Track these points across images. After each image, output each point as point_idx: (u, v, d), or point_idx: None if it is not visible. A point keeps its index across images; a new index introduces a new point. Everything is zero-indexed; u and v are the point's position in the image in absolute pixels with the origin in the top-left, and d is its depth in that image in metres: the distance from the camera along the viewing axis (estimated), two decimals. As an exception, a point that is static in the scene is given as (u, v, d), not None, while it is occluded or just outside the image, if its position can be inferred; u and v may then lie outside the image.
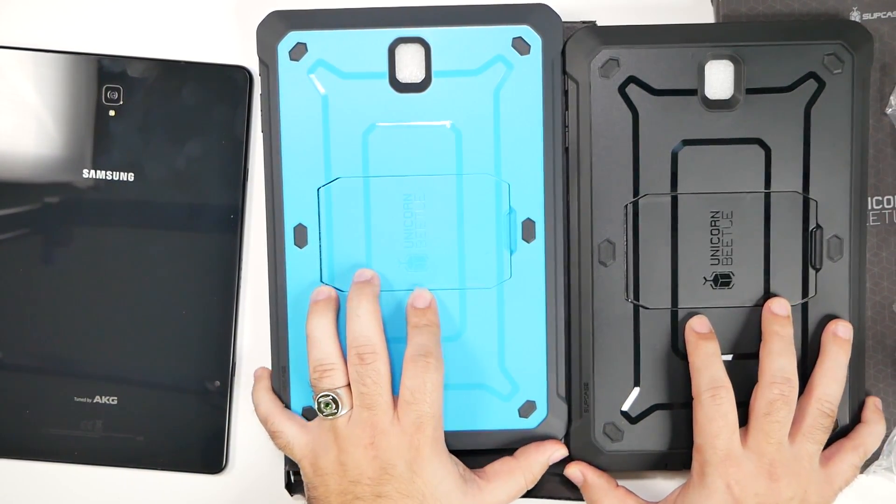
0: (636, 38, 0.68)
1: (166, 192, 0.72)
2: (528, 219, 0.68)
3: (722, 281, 0.69)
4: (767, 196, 0.68)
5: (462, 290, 0.69)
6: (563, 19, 0.68)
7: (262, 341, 0.71)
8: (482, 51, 0.68)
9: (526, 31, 0.68)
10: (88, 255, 0.72)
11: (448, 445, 0.66)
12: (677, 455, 0.69)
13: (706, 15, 0.72)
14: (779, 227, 0.68)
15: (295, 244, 0.68)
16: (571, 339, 0.69)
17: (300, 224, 0.68)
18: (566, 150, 0.68)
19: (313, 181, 0.68)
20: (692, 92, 0.68)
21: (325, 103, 0.68)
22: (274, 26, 0.68)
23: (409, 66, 0.68)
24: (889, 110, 0.70)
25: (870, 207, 0.70)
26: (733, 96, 0.68)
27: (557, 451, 0.68)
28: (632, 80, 0.68)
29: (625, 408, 0.69)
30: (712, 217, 0.68)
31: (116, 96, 0.72)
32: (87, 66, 0.72)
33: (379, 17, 0.68)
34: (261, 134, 0.71)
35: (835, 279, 0.69)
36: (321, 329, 0.66)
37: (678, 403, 0.69)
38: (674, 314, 0.69)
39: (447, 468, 0.65)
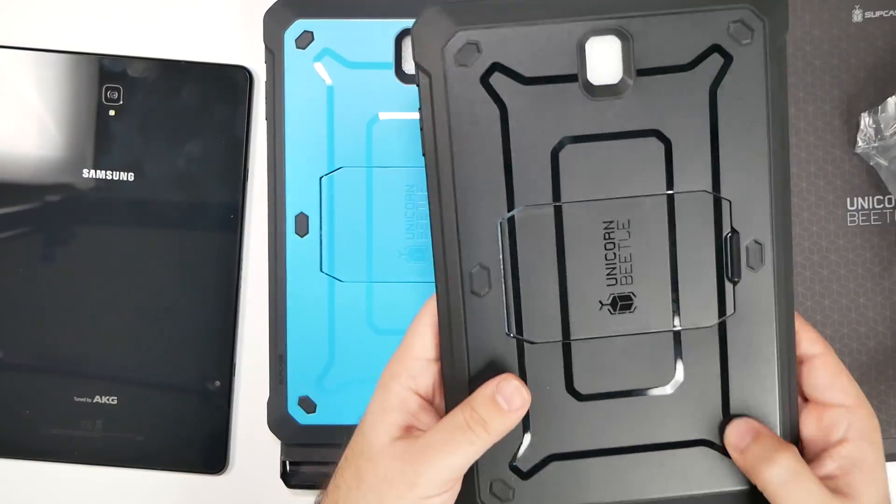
0: (499, 16, 0.54)
1: (166, 191, 0.72)
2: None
3: (622, 304, 0.56)
4: (670, 198, 0.55)
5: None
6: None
7: (262, 341, 0.71)
8: None
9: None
10: (89, 254, 0.72)
11: None
12: None
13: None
14: (686, 234, 0.55)
15: (296, 233, 0.69)
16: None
17: (301, 213, 0.69)
18: (425, 154, 0.56)
19: (316, 170, 0.69)
20: (572, 78, 0.54)
21: (330, 92, 0.68)
22: (281, 14, 0.68)
23: (416, 56, 0.68)
24: (858, 150, 0.70)
25: (870, 206, 0.70)
26: (622, 80, 0.54)
27: (507, 382, 0.53)
28: (496, 67, 0.54)
29: (514, 461, 0.56)
30: (605, 228, 0.55)
31: (116, 96, 0.72)
32: (87, 66, 0.72)
33: (386, 7, 0.68)
34: (261, 134, 0.71)
35: (757, 292, 0.56)
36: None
37: (578, 452, 0.56)
38: (566, 347, 0.56)
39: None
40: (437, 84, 0.54)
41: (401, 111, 0.69)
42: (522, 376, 0.55)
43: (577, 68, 0.54)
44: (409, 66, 0.69)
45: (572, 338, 0.56)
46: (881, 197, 0.71)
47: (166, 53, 0.73)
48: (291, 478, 0.71)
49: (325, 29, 0.68)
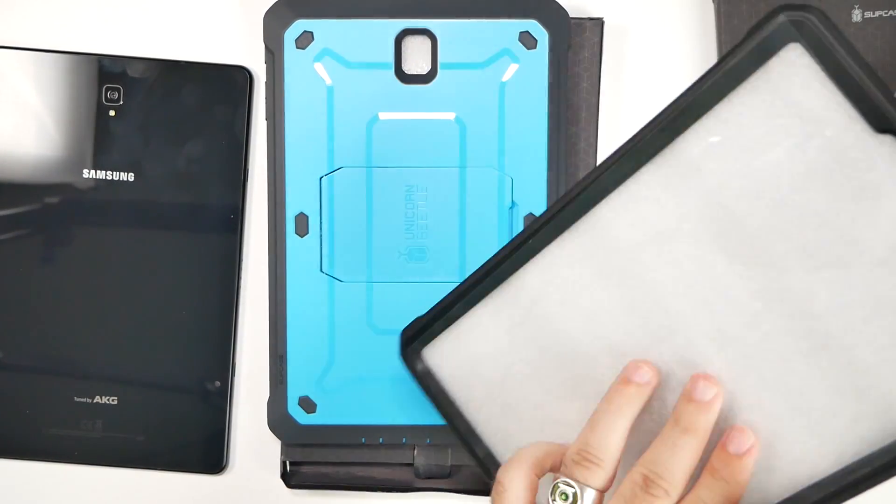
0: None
1: (166, 192, 0.72)
2: (531, 213, 0.69)
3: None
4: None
5: (462, 284, 0.69)
6: (571, 16, 0.69)
7: (262, 341, 0.71)
8: (489, 44, 0.68)
9: (533, 26, 0.68)
10: (89, 255, 0.72)
11: None
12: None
13: (708, 11, 0.72)
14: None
15: (296, 233, 0.69)
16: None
17: (301, 213, 0.69)
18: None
19: (316, 170, 0.69)
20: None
21: (330, 92, 0.68)
22: (281, 14, 0.68)
23: (416, 57, 0.69)
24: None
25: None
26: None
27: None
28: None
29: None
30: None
31: (116, 96, 0.72)
32: (87, 66, 0.72)
33: (386, 8, 0.68)
34: (261, 134, 0.71)
35: None
36: (620, 421, 0.51)
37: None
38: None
39: None
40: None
41: (401, 111, 0.69)
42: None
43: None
44: (409, 67, 0.69)
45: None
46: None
47: (166, 53, 0.72)
48: (291, 478, 0.71)
49: (325, 29, 0.68)
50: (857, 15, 0.70)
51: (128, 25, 0.73)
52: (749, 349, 0.49)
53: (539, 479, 0.53)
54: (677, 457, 0.49)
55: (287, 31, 0.68)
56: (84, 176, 0.71)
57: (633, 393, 0.51)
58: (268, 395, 0.70)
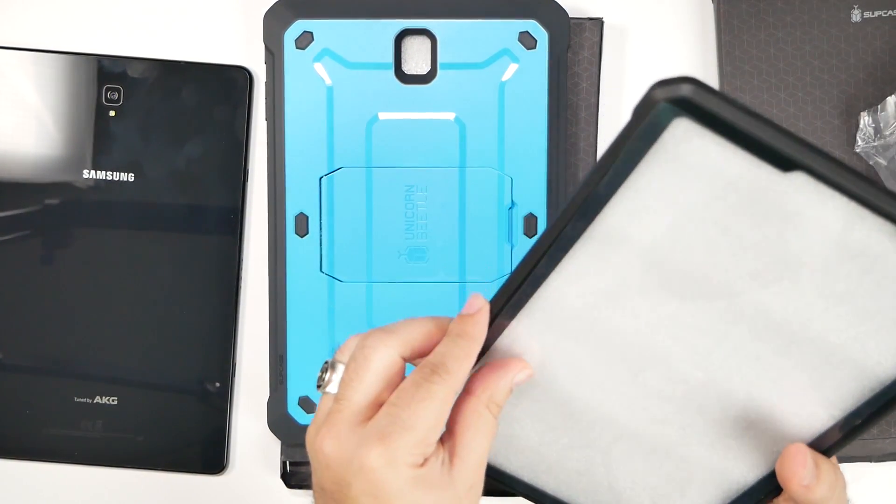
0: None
1: (166, 192, 0.72)
2: (531, 213, 0.69)
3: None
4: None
5: (462, 284, 0.69)
6: (571, 16, 0.69)
7: (262, 342, 0.71)
8: (488, 44, 0.68)
9: (533, 26, 0.68)
10: (88, 255, 0.72)
11: None
12: None
13: (708, 11, 0.72)
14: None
15: (296, 233, 0.69)
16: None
17: (301, 213, 0.69)
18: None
19: (316, 170, 0.69)
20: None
21: (330, 92, 0.68)
22: (281, 14, 0.68)
23: (415, 57, 0.69)
24: (857, 149, 0.70)
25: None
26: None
27: (522, 372, 0.54)
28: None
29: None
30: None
31: (116, 96, 0.72)
32: (87, 66, 0.72)
33: (386, 8, 0.68)
34: (261, 134, 0.71)
35: None
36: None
37: None
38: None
39: (420, 490, 0.51)
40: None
41: (401, 111, 0.69)
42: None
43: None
44: (409, 67, 0.69)
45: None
46: (880, 197, 0.71)
47: (166, 54, 0.73)
48: (291, 478, 0.71)
49: (324, 29, 0.68)
50: (856, 15, 0.70)
51: (128, 25, 0.73)
52: (725, 360, 0.52)
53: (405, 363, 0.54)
54: (455, 346, 0.52)
55: (287, 31, 0.68)
56: (84, 176, 0.71)
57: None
58: (268, 395, 0.70)
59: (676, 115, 0.47)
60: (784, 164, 0.46)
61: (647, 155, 0.48)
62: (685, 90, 0.46)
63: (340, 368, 0.53)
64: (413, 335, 0.53)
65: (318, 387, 0.53)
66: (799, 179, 0.46)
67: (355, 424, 0.51)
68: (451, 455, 0.52)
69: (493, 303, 0.54)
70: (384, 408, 0.51)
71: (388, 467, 0.50)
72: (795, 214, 0.47)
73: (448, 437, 0.53)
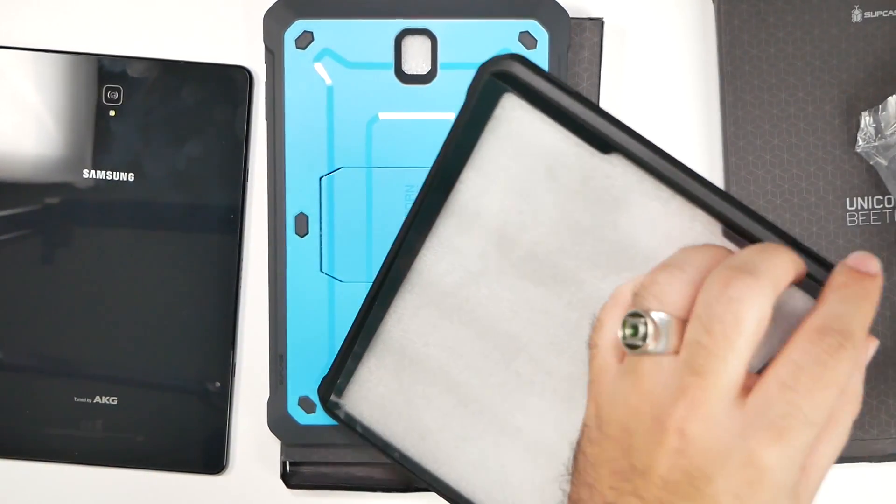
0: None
1: (166, 192, 0.72)
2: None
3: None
4: None
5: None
6: (571, 16, 0.69)
7: (262, 341, 0.71)
8: (489, 44, 0.68)
9: (533, 26, 0.68)
10: (89, 255, 0.72)
11: None
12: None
13: (708, 11, 0.72)
14: None
15: (296, 233, 0.69)
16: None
17: (301, 213, 0.69)
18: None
19: (316, 170, 0.69)
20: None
21: (330, 92, 0.68)
22: (281, 14, 0.68)
23: (416, 57, 0.69)
24: (858, 149, 0.70)
25: (870, 207, 0.71)
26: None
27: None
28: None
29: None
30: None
31: (116, 96, 0.72)
32: (87, 66, 0.72)
33: (386, 8, 0.68)
34: (261, 134, 0.71)
35: None
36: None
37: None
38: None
39: (789, 501, 0.42)
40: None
41: (401, 111, 0.69)
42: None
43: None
44: (409, 67, 0.69)
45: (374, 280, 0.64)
46: (881, 197, 0.71)
47: (166, 53, 0.72)
48: (291, 478, 0.71)
49: (325, 29, 0.68)
50: (857, 15, 0.70)
51: (128, 25, 0.73)
52: (583, 351, 0.51)
53: None
54: (861, 311, 0.43)
55: (287, 31, 0.68)
56: (84, 176, 0.71)
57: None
58: (268, 395, 0.70)
59: (503, 90, 0.50)
60: (602, 145, 0.48)
61: (486, 131, 0.51)
62: (506, 64, 0.49)
63: (669, 322, 0.42)
64: (783, 273, 0.43)
65: (632, 346, 0.43)
66: (618, 162, 0.48)
67: (731, 405, 0.41)
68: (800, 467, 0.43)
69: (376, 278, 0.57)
70: (776, 389, 0.41)
71: (783, 470, 0.41)
72: (621, 200, 0.49)
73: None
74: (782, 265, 0.43)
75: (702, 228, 0.47)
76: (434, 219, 0.54)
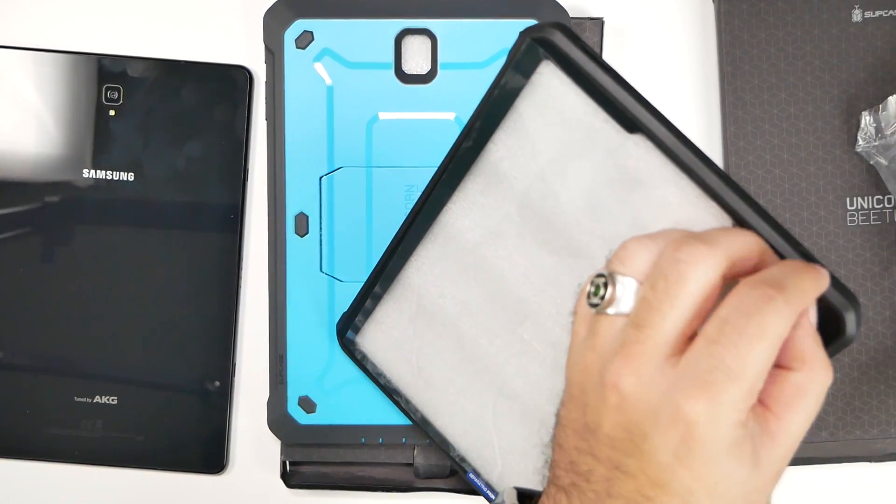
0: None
1: (166, 191, 0.72)
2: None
3: None
4: None
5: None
6: (571, 16, 0.69)
7: (262, 342, 0.71)
8: (489, 44, 0.68)
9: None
10: (89, 254, 0.72)
11: None
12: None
13: (708, 11, 0.72)
14: None
15: (296, 233, 0.69)
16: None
17: (301, 212, 0.69)
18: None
19: (316, 170, 0.69)
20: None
21: (330, 92, 0.69)
22: (281, 13, 0.68)
23: (416, 57, 0.69)
24: (858, 148, 0.70)
25: (870, 206, 0.71)
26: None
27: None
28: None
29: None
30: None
31: (116, 96, 0.72)
32: (87, 66, 0.72)
33: (386, 8, 0.68)
34: (261, 134, 0.71)
35: None
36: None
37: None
38: None
39: (735, 460, 0.42)
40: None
41: (401, 111, 0.69)
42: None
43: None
44: (409, 67, 0.69)
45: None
46: (881, 197, 0.71)
47: (166, 53, 0.72)
48: (291, 478, 0.71)
49: (325, 29, 0.68)
50: (857, 15, 0.70)
51: (128, 25, 0.73)
52: None
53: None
54: (800, 276, 0.43)
55: (287, 31, 0.68)
56: (84, 175, 0.71)
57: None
58: (268, 395, 0.70)
59: (543, 57, 0.50)
60: (629, 124, 0.48)
61: (521, 96, 0.52)
62: (549, 32, 0.49)
63: (630, 284, 0.43)
64: (738, 249, 0.43)
65: (593, 305, 0.44)
66: (642, 143, 0.48)
67: (664, 361, 0.42)
68: (763, 431, 0.43)
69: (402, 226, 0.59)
70: (703, 344, 0.41)
71: (711, 424, 0.41)
72: (641, 182, 0.49)
73: (759, 407, 0.43)
74: (741, 240, 0.43)
75: (713, 221, 0.48)
76: (463, 174, 0.55)
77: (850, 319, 0.45)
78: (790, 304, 0.42)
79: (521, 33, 0.50)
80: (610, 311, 0.43)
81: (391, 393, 0.65)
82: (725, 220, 0.47)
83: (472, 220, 0.57)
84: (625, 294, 0.44)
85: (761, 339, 0.41)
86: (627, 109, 0.48)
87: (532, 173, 0.53)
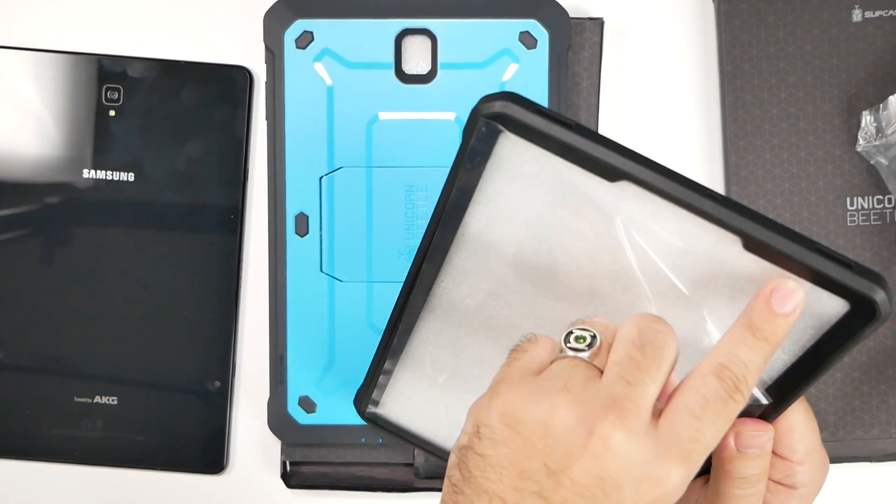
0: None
1: (166, 192, 0.72)
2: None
3: None
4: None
5: (462, 284, 0.69)
6: (571, 16, 0.69)
7: (262, 341, 0.71)
8: (489, 44, 0.68)
9: (533, 26, 0.68)
10: (89, 255, 0.72)
11: None
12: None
13: (708, 11, 0.72)
14: None
15: (296, 233, 0.69)
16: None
17: (301, 213, 0.69)
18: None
19: (316, 170, 0.69)
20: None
21: (330, 92, 0.69)
22: (281, 14, 0.68)
23: (416, 57, 0.69)
24: (858, 148, 0.70)
25: (870, 206, 0.71)
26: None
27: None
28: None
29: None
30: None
31: (116, 96, 0.72)
32: (87, 66, 0.72)
33: (386, 7, 0.68)
34: (261, 134, 0.71)
35: None
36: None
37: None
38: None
39: None
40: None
41: (401, 111, 0.69)
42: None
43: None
44: (409, 67, 0.69)
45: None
46: (881, 196, 0.71)
47: (166, 53, 0.72)
48: (291, 478, 0.71)
49: (325, 29, 0.68)
50: (857, 15, 0.70)
51: (128, 25, 0.73)
52: None
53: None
54: (754, 358, 0.47)
55: (287, 31, 0.68)
56: (84, 176, 0.71)
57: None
58: (268, 395, 0.70)
59: (499, 130, 0.49)
60: (608, 174, 0.48)
61: (487, 169, 0.50)
62: (499, 106, 0.48)
63: (599, 338, 0.47)
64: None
65: (572, 349, 0.48)
66: (628, 188, 0.48)
67: (648, 423, 0.45)
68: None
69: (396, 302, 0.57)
70: (686, 415, 0.46)
71: (681, 488, 0.46)
72: (636, 222, 0.49)
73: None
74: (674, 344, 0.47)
75: (720, 243, 0.47)
76: (447, 250, 0.54)
77: (881, 299, 0.46)
78: (746, 395, 0.47)
79: (472, 112, 0.48)
80: (585, 355, 0.47)
81: (422, 444, 0.65)
82: (734, 240, 0.47)
83: (468, 286, 0.55)
84: (598, 347, 0.48)
85: (729, 421, 0.46)
86: (604, 161, 0.47)
87: (519, 236, 0.52)
